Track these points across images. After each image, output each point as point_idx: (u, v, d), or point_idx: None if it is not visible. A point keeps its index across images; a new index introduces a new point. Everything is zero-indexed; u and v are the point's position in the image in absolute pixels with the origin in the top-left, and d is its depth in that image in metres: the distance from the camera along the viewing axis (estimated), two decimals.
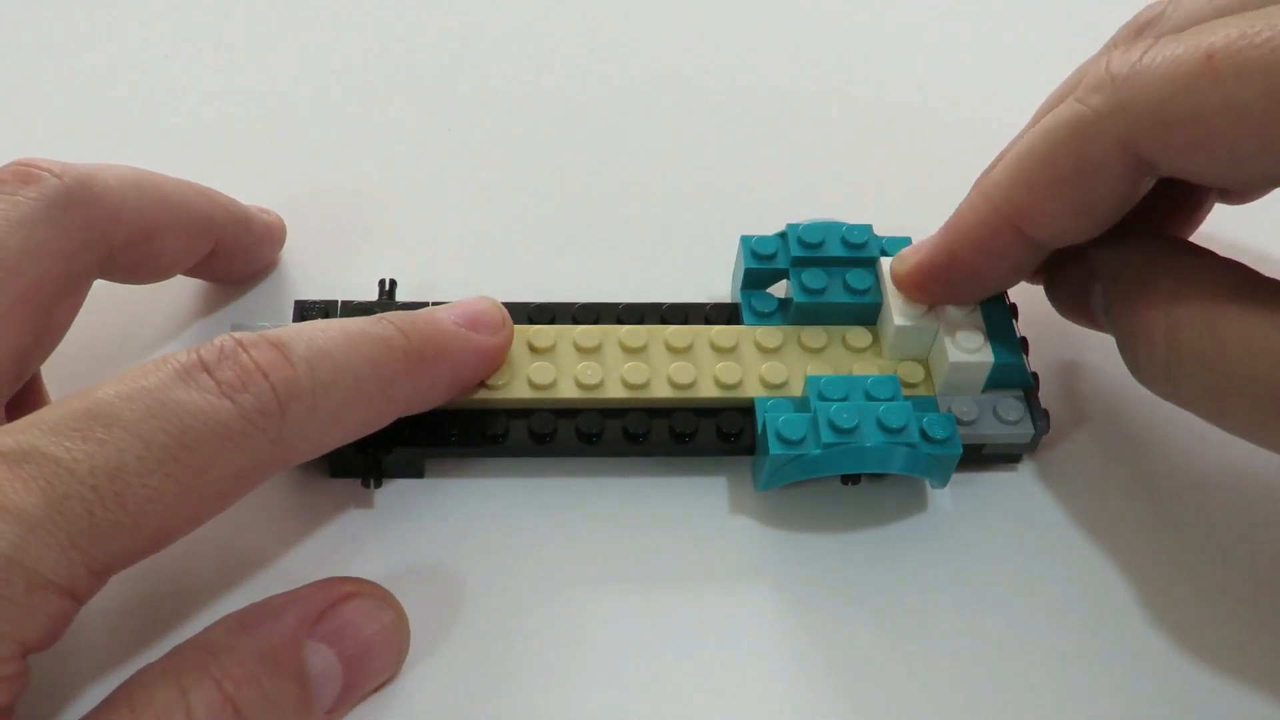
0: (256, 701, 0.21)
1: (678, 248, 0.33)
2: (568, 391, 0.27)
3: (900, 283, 0.28)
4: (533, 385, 0.27)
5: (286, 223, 0.32)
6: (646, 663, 0.25)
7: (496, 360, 0.27)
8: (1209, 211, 0.29)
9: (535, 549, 0.27)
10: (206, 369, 0.21)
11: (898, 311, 0.28)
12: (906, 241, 0.29)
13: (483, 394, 0.27)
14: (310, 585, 0.24)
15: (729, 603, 0.26)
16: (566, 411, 0.27)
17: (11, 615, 0.19)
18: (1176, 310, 0.23)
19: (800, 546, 0.27)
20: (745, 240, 0.29)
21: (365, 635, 0.24)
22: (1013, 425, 0.27)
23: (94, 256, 0.25)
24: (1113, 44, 0.26)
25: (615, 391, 0.27)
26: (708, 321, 0.29)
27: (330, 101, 0.36)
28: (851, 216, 0.30)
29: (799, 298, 0.28)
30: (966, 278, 0.27)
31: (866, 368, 0.28)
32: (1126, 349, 0.25)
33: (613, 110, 0.37)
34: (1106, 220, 0.25)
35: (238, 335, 0.22)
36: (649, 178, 0.35)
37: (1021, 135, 0.26)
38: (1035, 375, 0.28)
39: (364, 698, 0.24)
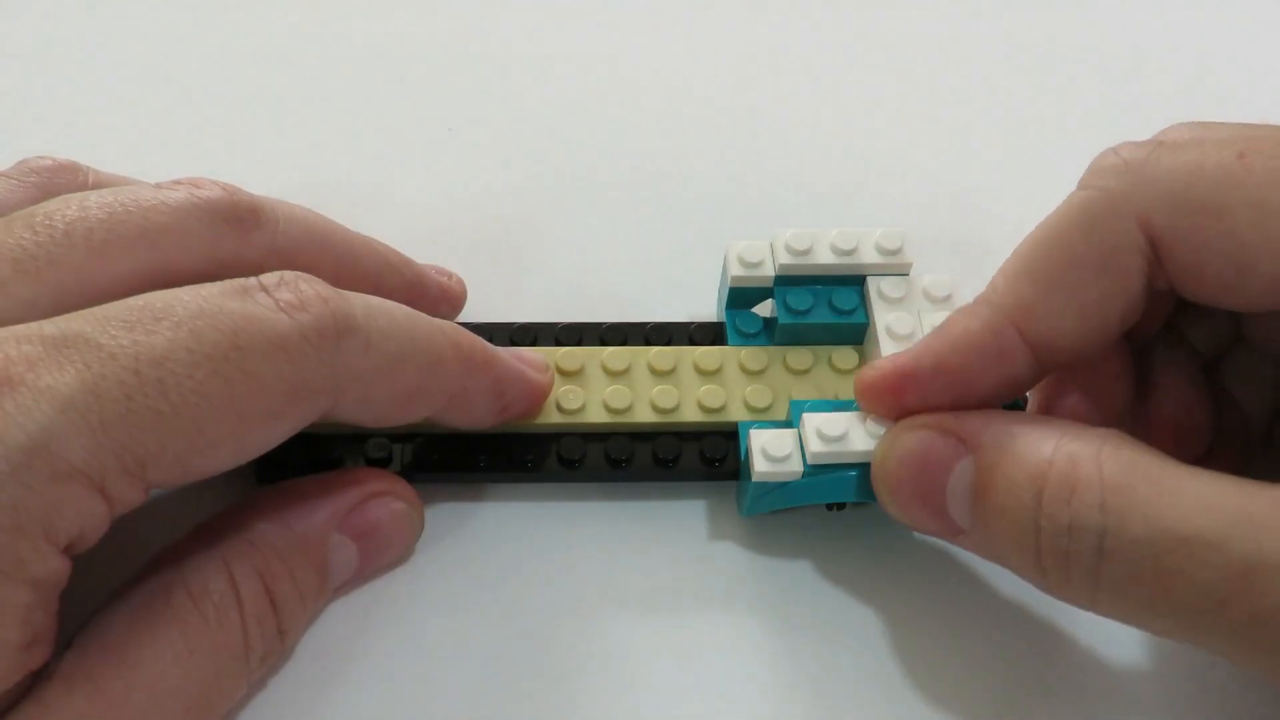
0: (288, 594, 0.23)
1: (663, 264, 0.32)
2: (550, 416, 0.27)
3: (865, 388, 0.24)
4: None
5: None
6: (626, 689, 0.25)
7: (540, 395, 0.26)
8: None
9: (514, 573, 0.26)
10: (264, 289, 0.21)
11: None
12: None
13: None
14: (342, 476, 0.25)
15: (710, 629, 0.26)
16: (548, 436, 0.27)
17: (35, 507, 0.18)
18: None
19: (783, 572, 0.27)
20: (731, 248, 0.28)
21: (385, 530, 0.25)
22: None
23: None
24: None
25: (597, 416, 0.27)
26: (692, 342, 0.29)
27: (327, 100, 0.36)
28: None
29: (783, 318, 0.28)
30: (948, 385, 0.23)
31: (852, 390, 0.27)
32: (1025, 551, 0.21)
33: (598, 125, 0.36)
34: (1115, 325, 0.23)
35: (295, 271, 0.22)
36: (636, 193, 0.34)
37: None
38: (1025, 400, 0.27)
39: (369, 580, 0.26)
